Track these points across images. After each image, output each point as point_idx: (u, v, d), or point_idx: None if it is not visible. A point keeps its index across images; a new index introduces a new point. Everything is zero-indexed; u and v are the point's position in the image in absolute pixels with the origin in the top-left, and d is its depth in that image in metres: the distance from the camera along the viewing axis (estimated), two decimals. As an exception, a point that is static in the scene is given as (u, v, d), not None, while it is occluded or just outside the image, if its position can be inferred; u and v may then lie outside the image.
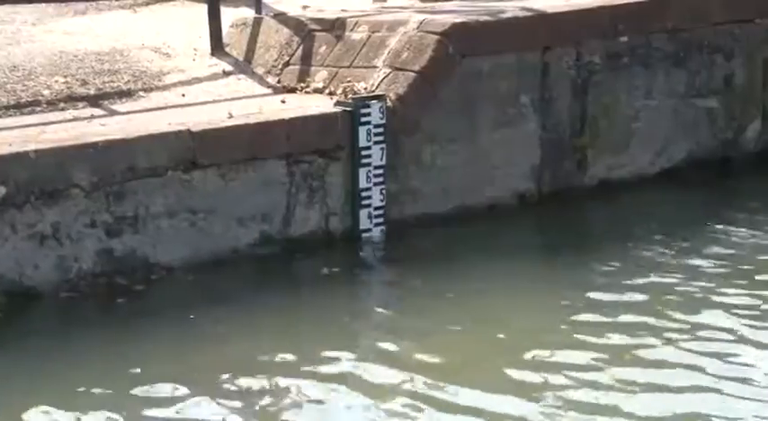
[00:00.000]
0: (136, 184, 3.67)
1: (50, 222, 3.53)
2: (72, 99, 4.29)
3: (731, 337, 3.24)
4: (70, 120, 4.05)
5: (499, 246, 4.18)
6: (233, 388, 2.85)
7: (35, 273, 3.53)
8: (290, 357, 3.09)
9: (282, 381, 2.88)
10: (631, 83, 5.01)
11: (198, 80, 4.77)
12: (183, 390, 2.82)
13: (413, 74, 4.31)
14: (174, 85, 4.69)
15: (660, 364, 3.06)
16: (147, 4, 5.91)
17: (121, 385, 2.86)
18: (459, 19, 4.53)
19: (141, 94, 4.51)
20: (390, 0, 5.59)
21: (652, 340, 3.23)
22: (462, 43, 4.43)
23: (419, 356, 3.12)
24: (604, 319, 3.46)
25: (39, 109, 4.15)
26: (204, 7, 5.06)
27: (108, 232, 3.65)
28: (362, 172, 4.12)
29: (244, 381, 2.88)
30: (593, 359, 3.06)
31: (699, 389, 2.85)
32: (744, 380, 2.90)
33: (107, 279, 3.63)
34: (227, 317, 3.50)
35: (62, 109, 4.19)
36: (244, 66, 4.92)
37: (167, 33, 5.36)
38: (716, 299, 3.60)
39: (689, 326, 3.37)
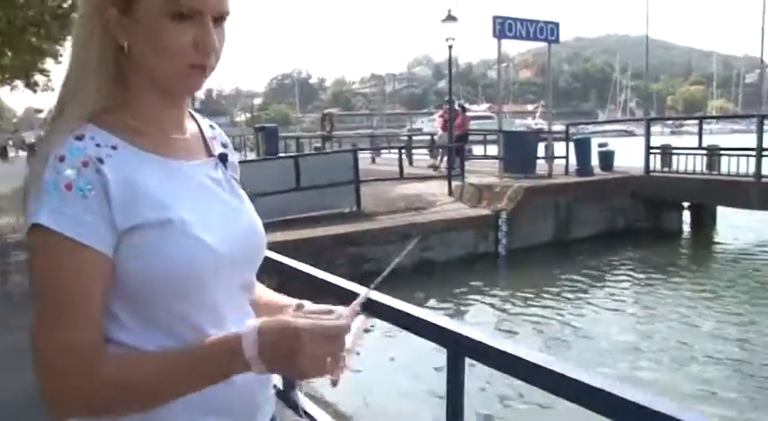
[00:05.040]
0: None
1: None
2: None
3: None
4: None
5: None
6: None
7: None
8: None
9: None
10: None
11: (444, 204, 13.70)
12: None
13: (513, 203, 13.08)
14: (436, 205, 13.61)
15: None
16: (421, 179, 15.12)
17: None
18: (526, 184, 13.41)
19: (426, 208, 13.40)
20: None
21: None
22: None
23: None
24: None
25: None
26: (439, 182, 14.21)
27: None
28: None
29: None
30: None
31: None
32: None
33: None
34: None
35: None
36: (459, 200, 13.84)
37: (432, 190, 14.39)
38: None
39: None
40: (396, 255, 1.10)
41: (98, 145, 1.06)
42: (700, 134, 14.80)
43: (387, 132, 36.64)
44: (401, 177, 14.38)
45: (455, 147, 15.76)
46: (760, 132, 13.49)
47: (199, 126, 1.27)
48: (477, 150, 20.22)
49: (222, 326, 1.11)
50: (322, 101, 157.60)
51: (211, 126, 1.30)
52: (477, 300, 10.58)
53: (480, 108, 78.42)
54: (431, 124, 39.22)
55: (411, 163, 20.58)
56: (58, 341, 0.99)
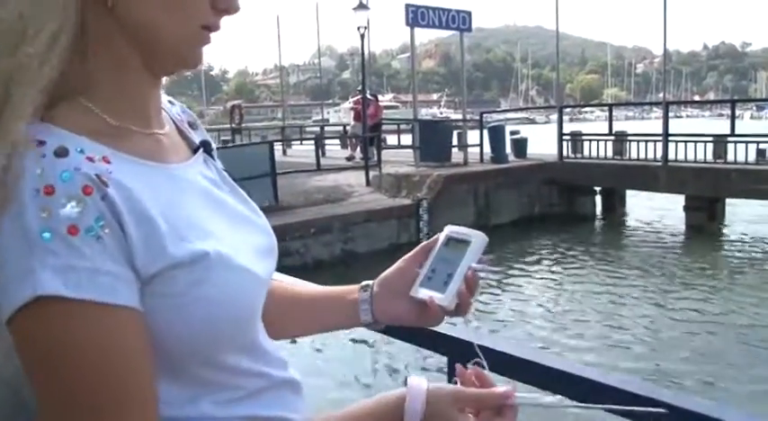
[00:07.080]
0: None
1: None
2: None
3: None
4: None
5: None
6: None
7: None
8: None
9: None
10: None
11: (363, 194, 13.48)
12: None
13: (433, 192, 13.03)
14: (355, 196, 13.38)
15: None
16: (340, 170, 14.82)
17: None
18: (444, 172, 13.38)
19: (345, 199, 13.15)
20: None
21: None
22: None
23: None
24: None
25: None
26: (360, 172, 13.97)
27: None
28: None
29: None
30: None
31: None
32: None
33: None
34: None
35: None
36: (378, 190, 13.65)
37: (350, 181, 14.11)
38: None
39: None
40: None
41: (90, 158, 0.71)
42: (610, 121, 15.21)
43: (296, 123, 36.15)
44: (319, 168, 14.07)
45: (370, 137, 15.58)
46: (666, 118, 13.96)
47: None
48: (391, 140, 20.12)
49: (263, 358, 0.88)
50: (225, 93, 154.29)
51: (170, 102, 0.95)
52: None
53: (385, 98, 78.88)
54: (337, 115, 39.21)
55: (324, 154, 20.33)
56: None
